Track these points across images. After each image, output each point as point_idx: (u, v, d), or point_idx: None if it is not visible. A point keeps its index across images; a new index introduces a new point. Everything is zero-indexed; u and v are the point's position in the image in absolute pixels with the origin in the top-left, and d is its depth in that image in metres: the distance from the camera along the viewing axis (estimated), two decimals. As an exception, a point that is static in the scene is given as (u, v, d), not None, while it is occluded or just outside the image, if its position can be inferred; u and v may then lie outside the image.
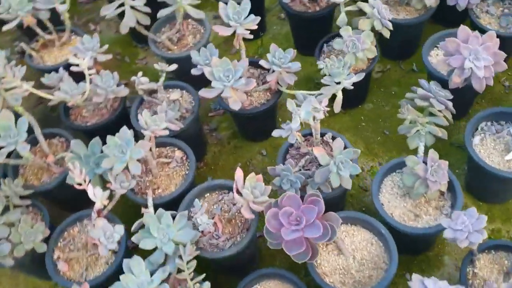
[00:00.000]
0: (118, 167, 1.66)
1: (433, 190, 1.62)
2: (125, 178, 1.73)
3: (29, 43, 2.40)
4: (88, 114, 2.09)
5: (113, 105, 2.08)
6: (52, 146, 2.02)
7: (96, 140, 1.85)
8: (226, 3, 1.87)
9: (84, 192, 2.09)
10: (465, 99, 2.06)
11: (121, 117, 2.10)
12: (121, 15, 2.53)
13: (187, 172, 1.89)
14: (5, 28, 2.14)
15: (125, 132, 1.70)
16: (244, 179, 2.14)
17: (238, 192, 1.62)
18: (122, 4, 2.08)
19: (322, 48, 2.19)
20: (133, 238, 1.57)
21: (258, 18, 1.89)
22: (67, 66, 2.19)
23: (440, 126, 1.81)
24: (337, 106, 1.89)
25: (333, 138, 1.85)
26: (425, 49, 2.06)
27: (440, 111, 1.79)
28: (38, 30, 2.25)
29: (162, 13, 2.07)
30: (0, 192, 1.77)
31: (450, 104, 1.80)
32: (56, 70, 2.12)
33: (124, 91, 1.99)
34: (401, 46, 2.32)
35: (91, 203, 2.11)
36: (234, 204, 1.75)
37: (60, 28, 2.39)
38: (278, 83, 1.99)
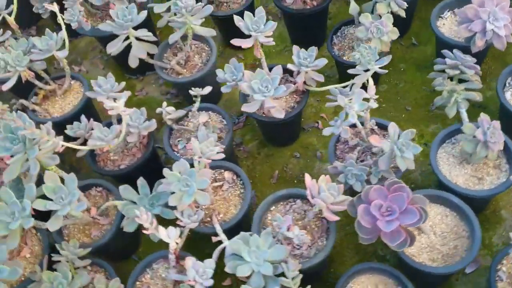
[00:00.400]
0: (186, 201, 1.60)
1: (495, 151, 1.68)
2: (192, 211, 1.67)
3: (13, 97, 2.26)
4: (117, 156, 1.99)
5: (142, 142, 1.99)
6: (90, 198, 1.92)
7: (143, 181, 1.78)
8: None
9: (133, 239, 2.01)
10: (477, 61, 2.14)
11: (153, 153, 2.02)
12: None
13: (242, 191, 1.85)
14: (5, 87, 2.00)
15: (185, 164, 1.64)
16: (281, 184, 2.14)
17: (312, 198, 1.60)
18: (127, 38, 2.00)
19: (333, 40, 2.21)
20: (227, 268, 1.52)
21: (275, 24, 1.88)
22: (78, 113, 2.10)
23: (473, 90, 1.88)
24: (371, 92, 1.91)
25: (377, 124, 1.88)
26: (432, 21, 2.12)
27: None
28: (37, 82, 2.11)
29: (173, 38, 2.00)
30: (62, 258, 1.65)
31: (478, 67, 1.87)
32: (69, 120, 2.02)
33: (153, 125, 1.91)
34: (399, 24, 2.37)
35: (139, 248, 2.06)
36: (305, 211, 1.73)
37: (54, 76, 2.26)
38: (304, 83, 1.99)
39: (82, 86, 2.21)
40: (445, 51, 1.92)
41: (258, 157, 2.25)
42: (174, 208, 1.74)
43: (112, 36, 2.24)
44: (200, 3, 1.98)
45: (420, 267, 1.60)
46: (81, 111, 2.12)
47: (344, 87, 1.91)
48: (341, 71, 2.27)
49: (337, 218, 1.58)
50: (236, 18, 1.88)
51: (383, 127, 1.89)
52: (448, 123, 2.20)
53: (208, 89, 1.84)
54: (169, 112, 1.95)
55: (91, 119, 1.93)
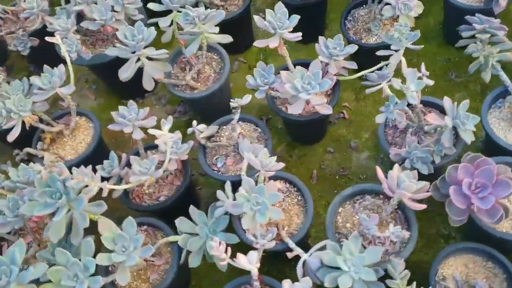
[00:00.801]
0: (261, 220, 1.47)
1: (552, 106, 1.66)
2: (263, 231, 1.54)
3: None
4: (152, 189, 1.82)
5: (178, 167, 1.82)
6: (136, 240, 1.73)
7: (195, 209, 1.62)
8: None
9: (188, 274, 1.85)
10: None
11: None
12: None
13: (299, 198, 1.73)
14: (11, 137, 1.77)
15: (249, 181, 1.50)
16: (322, 182, 2.05)
17: (390, 191, 1.51)
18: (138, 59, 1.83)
19: (346, 25, 2.13)
20: (326, 283, 1.40)
21: (298, 17, 1.77)
22: (94, 151, 1.91)
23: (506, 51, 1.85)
24: (405, 69, 1.85)
25: (422, 101, 1.82)
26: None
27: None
28: (42, 126, 1.89)
29: (190, 50, 1.85)
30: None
31: (506, 28, 1.84)
32: (86, 161, 1.83)
33: (189, 147, 1.76)
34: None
35: (192, 281, 1.90)
36: (378, 207, 1.64)
37: (55, 116, 2.04)
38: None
39: (90, 121, 2.01)
40: (469, 17, 1.88)
41: (290, 160, 2.13)
42: (231, 231, 1.62)
43: (111, 62, 2.07)
44: (212, 9, 1.84)
45: (506, 237, 1.54)
46: (96, 148, 1.93)
47: (378, 69, 1.84)
48: (355, 56, 2.19)
49: (424, 206, 1.49)
50: (257, 18, 1.75)
51: (425, 104, 1.84)
52: (471, 89, 2.19)
53: (248, 98, 1.70)
54: (201, 130, 1.80)
55: (125, 154, 1.74)
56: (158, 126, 1.74)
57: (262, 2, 2.63)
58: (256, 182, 1.58)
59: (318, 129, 2.09)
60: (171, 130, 1.77)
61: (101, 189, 1.52)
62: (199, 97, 2.00)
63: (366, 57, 1.98)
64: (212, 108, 2.15)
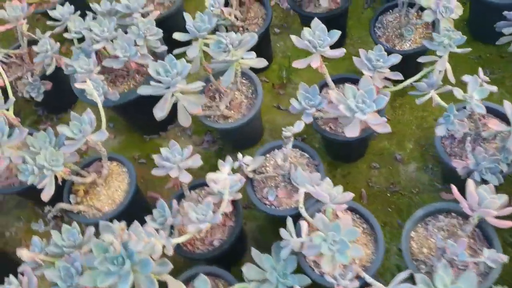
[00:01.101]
0: (342, 260, 1.35)
1: None
2: (341, 270, 1.42)
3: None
4: (205, 233, 1.69)
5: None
6: (195, 291, 1.60)
7: (258, 253, 1.50)
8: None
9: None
10: None
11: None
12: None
13: (364, 226, 1.63)
14: (46, 196, 1.62)
15: (323, 218, 1.39)
16: (374, 202, 1.95)
17: (471, 210, 1.42)
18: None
19: (376, 33, 2.03)
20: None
21: (339, 32, 1.66)
22: (133, 199, 1.78)
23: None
24: (451, 75, 1.76)
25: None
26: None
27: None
28: (75, 178, 1.75)
29: (226, 80, 1.72)
30: None
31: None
32: (126, 212, 1.70)
33: (241, 185, 1.63)
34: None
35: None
36: (453, 226, 1.54)
37: (82, 165, 1.90)
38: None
39: (122, 166, 1.87)
40: (506, 12, 1.80)
41: (334, 180, 2.00)
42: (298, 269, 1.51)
43: (138, 100, 1.95)
44: (243, 34, 1.72)
45: None
46: (135, 195, 1.79)
47: (421, 77, 1.75)
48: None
49: (510, 223, 1.40)
50: (295, 38, 1.65)
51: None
52: (507, 85, 2.12)
53: (301, 125, 1.57)
54: (247, 163, 1.68)
55: (175, 201, 1.61)
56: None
57: (275, 17, 2.53)
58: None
59: (362, 145, 1.99)
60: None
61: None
62: (235, 126, 1.88)
63: (402, 64, 1.88)
64: (245, 135, 2.03)
